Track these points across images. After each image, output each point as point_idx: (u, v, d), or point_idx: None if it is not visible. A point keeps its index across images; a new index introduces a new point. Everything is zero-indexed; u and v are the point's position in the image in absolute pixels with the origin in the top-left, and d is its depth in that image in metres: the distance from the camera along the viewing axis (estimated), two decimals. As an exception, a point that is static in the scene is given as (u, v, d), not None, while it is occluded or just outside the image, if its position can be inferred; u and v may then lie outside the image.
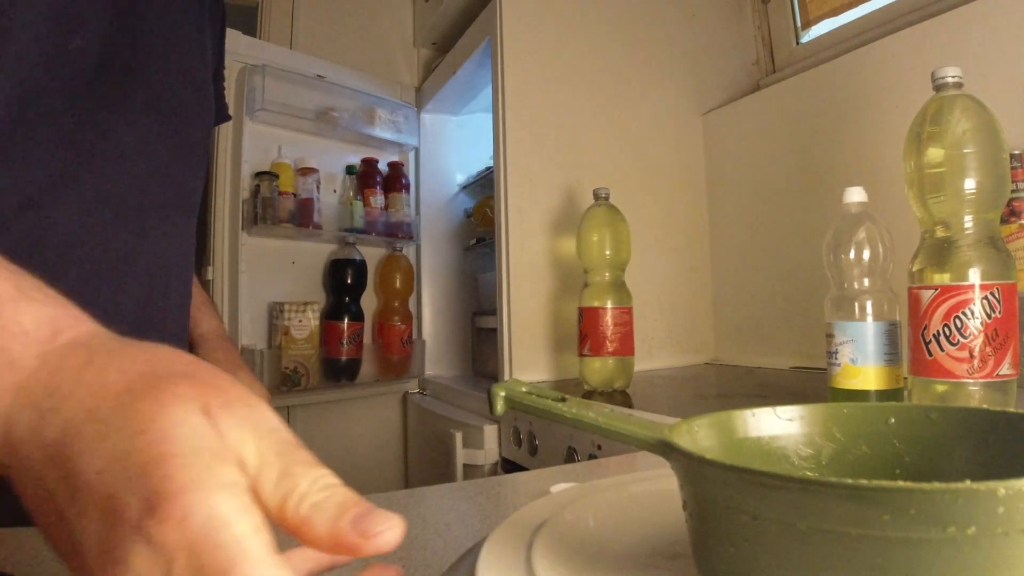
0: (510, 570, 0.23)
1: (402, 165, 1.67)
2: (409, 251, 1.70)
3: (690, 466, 0.22)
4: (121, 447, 0.19)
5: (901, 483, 0.18)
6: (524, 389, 0.31)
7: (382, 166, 1.62)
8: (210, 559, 0.18)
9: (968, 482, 0.17)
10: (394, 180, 1.64)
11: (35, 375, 0.22)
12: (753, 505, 0.20)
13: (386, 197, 1.61)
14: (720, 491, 0.21)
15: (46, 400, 0.21)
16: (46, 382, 0.21)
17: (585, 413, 0.28)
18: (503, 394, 0.33)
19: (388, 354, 1.58)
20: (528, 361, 1.21)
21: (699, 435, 0.26)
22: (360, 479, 1.58)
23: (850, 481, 0.18)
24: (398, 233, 1.62)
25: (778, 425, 0.28)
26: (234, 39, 1.39)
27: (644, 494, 0.32)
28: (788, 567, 0.20)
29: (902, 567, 0.18)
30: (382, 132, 1.59)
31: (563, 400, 0.30)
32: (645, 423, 0.26)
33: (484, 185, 1.60)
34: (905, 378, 0.75)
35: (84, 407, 0.20)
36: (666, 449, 0.24)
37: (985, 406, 0.58)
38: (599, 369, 1.03)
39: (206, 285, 1.36)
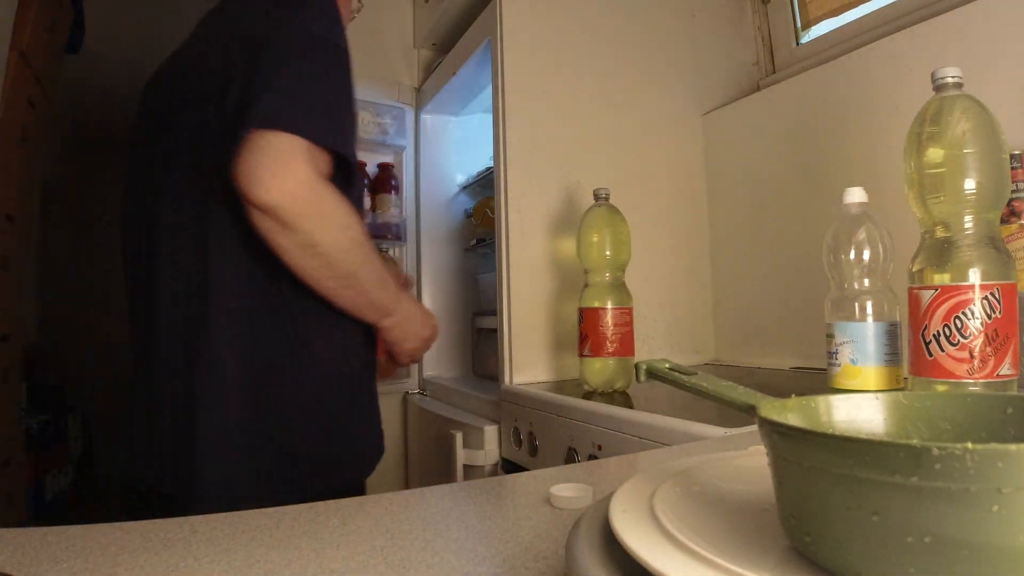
0: (637, 510, 0.28)
1: (392, 167, 1.68)
2: (406, 251, 1.70)
3: (765, 427, 0.25)
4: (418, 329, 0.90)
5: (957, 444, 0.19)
6: (667, 366, 0.44)
7: (371, 168, 1.64)
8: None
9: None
10: (383, 182, 1.66)
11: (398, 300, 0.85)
12: (803, 458, 0.23)
13: (373, 199, 1.63)
14: (785, 446, 0.24)
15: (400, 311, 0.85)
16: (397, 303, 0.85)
17: (701, 384, 0.40)
18: (645, 367, 0.44)
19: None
20: (528, 361, 1.21)
21: (789, 405, 0.30)
22: (360, 479, 1.57)
23: (906, 441, 0.20)
24: (386, 234, 1.63)
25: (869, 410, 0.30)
26: None
27: (743, 467, 0.35)
28: (834, 509, 0.22)
29: (946, 516, 0.19)
30: (365, 135, 1.60)
31: (693, 374, 0.42)
32: (747, 393, 0.37)
33: (484, 185, 1.60)
34: (905, 378, 0.75)
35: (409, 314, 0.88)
36: (752, 411, 0.31)
37: None
38: (599, 370, 1.03)
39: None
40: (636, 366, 0.44)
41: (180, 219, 0.76)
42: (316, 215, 0.68)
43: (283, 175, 0.65)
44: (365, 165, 1.62)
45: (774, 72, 1.46)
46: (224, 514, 0.43)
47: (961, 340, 0.63)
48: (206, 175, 0.73)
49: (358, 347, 0.84)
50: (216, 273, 0.74)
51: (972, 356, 0.63)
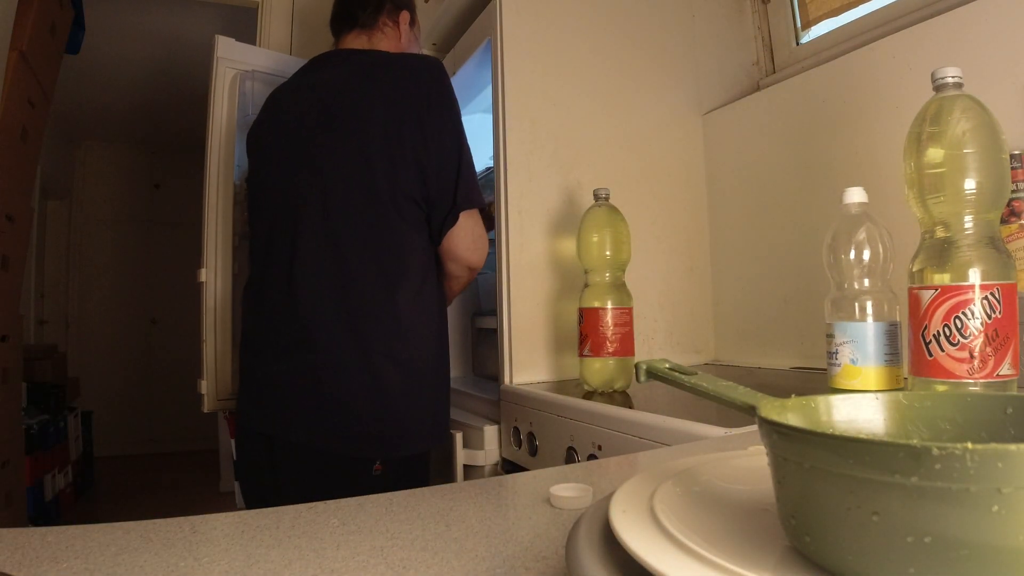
0: (637, 510, 0.28)
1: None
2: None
3: (765, 427, 0.25)
4: None
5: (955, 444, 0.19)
6: (667, 366, 0.43)
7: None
8: None
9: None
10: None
11: None
12: (802, 457, 0.23)
13: None
14: (785, 446, 0.24)
15: None
16: None
17: (701, 383, 0.39)
18: (645, 367, 0.44)
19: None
20: (528, 362, 1.21)
21: (789, 405, 0.30)
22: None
23: (902, 441, 0.20)
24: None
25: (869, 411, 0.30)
26: (227, 46, 1.41)
27: (743, 467, 0.35)
28: (834, 509, 0.22)
29: (944, 515, 0.19)
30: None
31: (693, 374, 0.41)
32: (747, 393, 0.36)
33: (484, 185, 1.60)
34: (905, 378, 0.75)
35: None
36: (752, 411, 0.31)
37: None
38: (599, 370, 1.03)
39: (199, 287, 1.37)
40: (636, 366, 0.44)
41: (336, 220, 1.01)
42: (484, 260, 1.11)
43: (482, 246, 1.08)
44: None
45: (774, 72, 1.46)
46: (224, 514, 0.43)
47: (961, 340, 0.63)
48: (386, 193, 1.01)
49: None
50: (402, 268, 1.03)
51: (972, 356, 0.63)
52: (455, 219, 1.04)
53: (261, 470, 1.04)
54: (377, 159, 1.00)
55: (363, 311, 1.00)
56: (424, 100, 1.03)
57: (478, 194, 1.07)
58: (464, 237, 1.06)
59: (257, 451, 1.05)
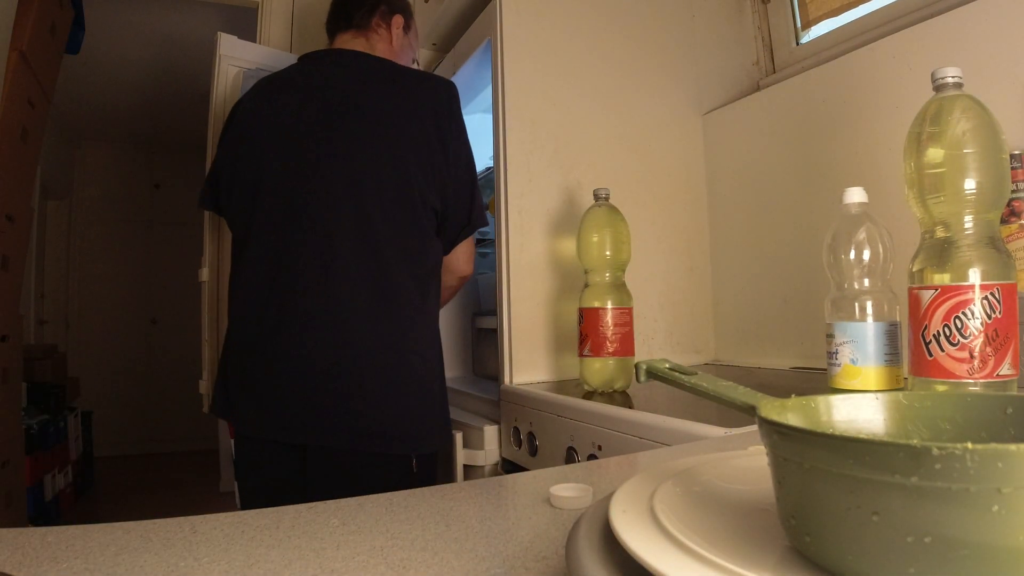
0: (637, 510, 0.28)
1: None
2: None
3: (765, 427, 0.25)
4: None
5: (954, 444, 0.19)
6: (667, 366, 0.43)
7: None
8: None
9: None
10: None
11: None
12: (803, 457, 0.23)
13: None
14: (785, 446, 0.24)
15: None
16: None
17: (701, 383, 0.40)
18: (645, 367, 0.44)
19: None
20: (528, 362, 1.21)
21: (789, 405, 0.30)
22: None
23: (902, 441, 0.20)
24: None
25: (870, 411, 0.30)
26: (229, 44, 1.40)
27: (743, 467, 0.35)
28: (834, 509, 0.22)
29: (943, 515, 0.19)
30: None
31: (693, 374, 0.41)
32: (747, 393, 0.36)
33: (484, 185, 1.60)
34: (905, 378, 0.75)
35: None
36: (752, 411, 0.31)
37: None
38: (599, 370, 1.03)
39: (200, 287, 1.36)
40: (636, 366, 0.44)
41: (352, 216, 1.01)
42: None
43: (473, 259, 1.19)
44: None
45: (774, 72, 1.46)
46: (224, 514, 0.43)
47: (961, 340, 0.63)
48: (408, 200, 1.04)
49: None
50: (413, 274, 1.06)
51: (972, 356, 0.63)
52: (470, 232, 1.13)
53: (280, 479, 1.01)
54: (411, 166, 1.04)
55: (400, 312, 1.02)
56: (445, 118, 1.09)
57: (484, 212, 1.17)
58: (464, 251, 1.15)
59: (270, 459, 1.02)
